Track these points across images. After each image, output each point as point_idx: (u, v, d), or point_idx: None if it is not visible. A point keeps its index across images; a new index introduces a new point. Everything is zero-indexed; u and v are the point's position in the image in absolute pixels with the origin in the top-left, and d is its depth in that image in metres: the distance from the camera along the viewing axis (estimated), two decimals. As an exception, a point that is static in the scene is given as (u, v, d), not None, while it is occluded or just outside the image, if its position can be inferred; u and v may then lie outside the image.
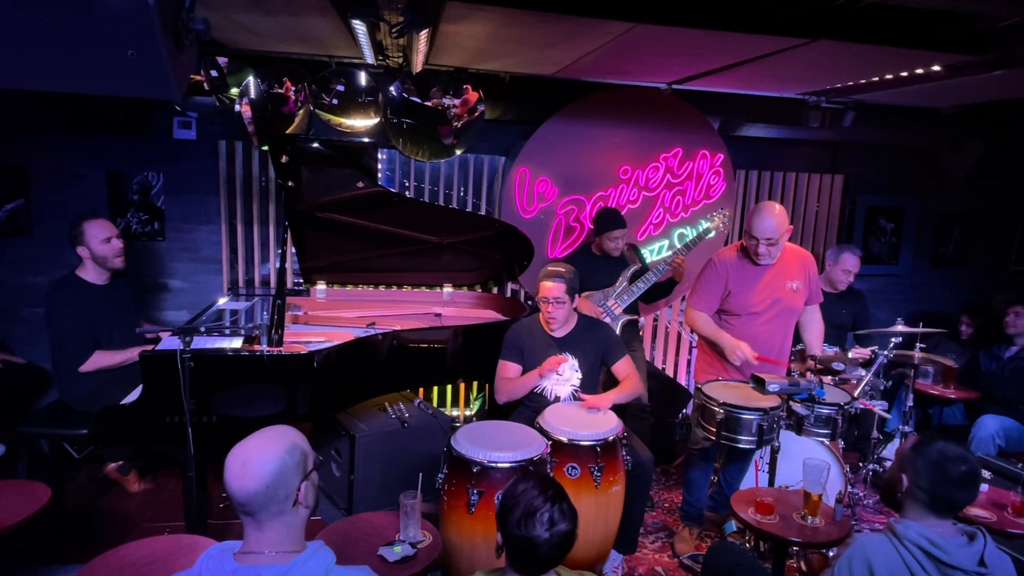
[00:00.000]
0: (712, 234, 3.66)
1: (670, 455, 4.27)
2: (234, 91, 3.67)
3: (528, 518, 1.56)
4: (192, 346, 2.35)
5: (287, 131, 3.73)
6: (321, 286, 3.80)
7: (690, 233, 4.53)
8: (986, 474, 3.12)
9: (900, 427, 3.75)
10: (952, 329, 4.61)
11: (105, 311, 3.14)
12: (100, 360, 3.06)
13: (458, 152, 4.05)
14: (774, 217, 2.99)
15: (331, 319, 3.53)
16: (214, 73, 3.60)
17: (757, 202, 4.79)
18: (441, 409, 4.30)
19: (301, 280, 3.83)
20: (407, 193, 4.27)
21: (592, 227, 3.92)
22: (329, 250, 3.58)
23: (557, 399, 3.01)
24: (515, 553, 1.59)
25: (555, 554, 1.57)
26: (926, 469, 1.72)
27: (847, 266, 4.00)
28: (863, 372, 3.51)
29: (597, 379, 3.17)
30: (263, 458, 1.42)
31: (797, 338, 3.37)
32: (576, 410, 2.86)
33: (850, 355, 3.66)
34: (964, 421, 4.18)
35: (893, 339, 3.41)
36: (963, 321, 4.61)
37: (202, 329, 2.43)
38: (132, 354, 3.11)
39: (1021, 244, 5.40)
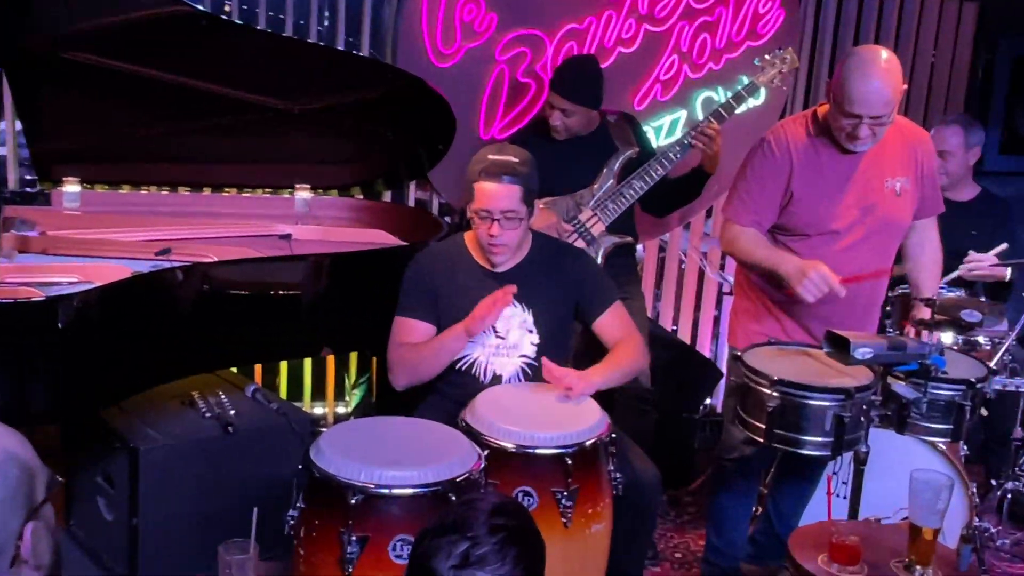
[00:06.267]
0: (761, 96, 3.69)
1: (686, 472, 4.31)
2: None
3: (438, 536, 1.60)
4: None
5: None
6: (72, 187, 3.71)
7: (723, 96, 4.47)
8: None
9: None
10: None
11: None
12: None
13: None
14: (884, 77, 2.96)
15: (91, 244, 3.44)
16: None
17: (840, 47, 4.81)
18: (294, 403, 4.28)
19: (34, 177, 3.77)
20: (227, 16, 4.17)
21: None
22: (85, 121, 3.53)
23: (497, 379, 3.03)
24: None
25: None
26: None
27: (945, 145, 4.11)
28: (1006, 327, 3.60)
29: (567, 345, 3.22)
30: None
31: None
32: (529, 396, 2.89)
33: None
34: None
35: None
36: None
37: None
38: None
39: None
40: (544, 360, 2.94)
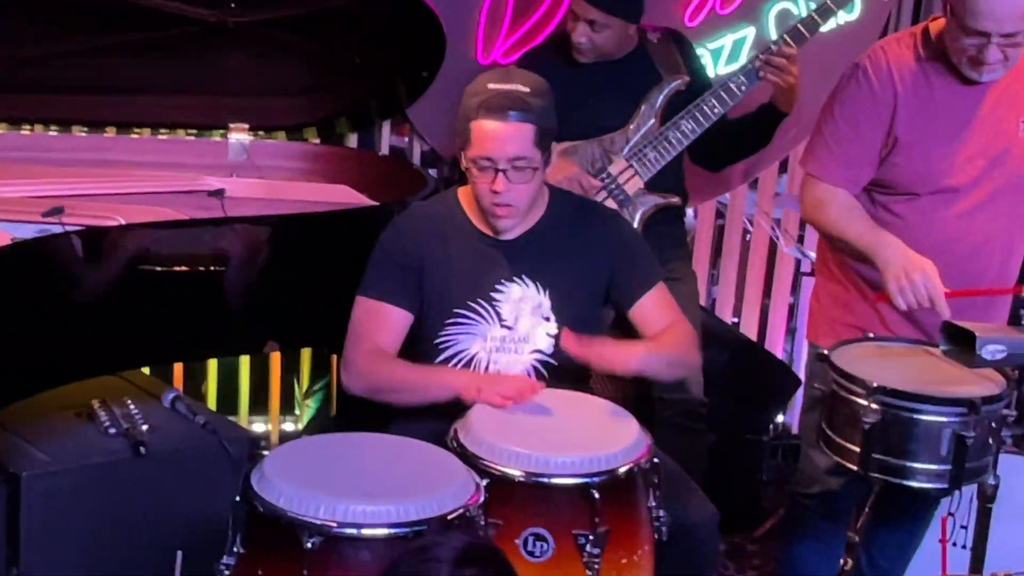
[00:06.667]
0: (855, 8, 3.70)
1: (751, 511, 4.23)
2: None
3: None
4: None
5: None
6: (-70, 127, 3.69)
7: (803, 9, 4.26)
8: None
9: None
10: None
11: None
12: None
13: None
14: None
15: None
16: None
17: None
18: (227, 417, 4.13)
19: None
20: None
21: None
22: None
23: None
24: None
25: None
26: None
27: None
28: None
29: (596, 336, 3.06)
30: None
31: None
32: (544, 408, 2.77)
33: None
34: None
35: None
36: None
37: None
38: None
39: None
40: (564, 331, 2.85)
